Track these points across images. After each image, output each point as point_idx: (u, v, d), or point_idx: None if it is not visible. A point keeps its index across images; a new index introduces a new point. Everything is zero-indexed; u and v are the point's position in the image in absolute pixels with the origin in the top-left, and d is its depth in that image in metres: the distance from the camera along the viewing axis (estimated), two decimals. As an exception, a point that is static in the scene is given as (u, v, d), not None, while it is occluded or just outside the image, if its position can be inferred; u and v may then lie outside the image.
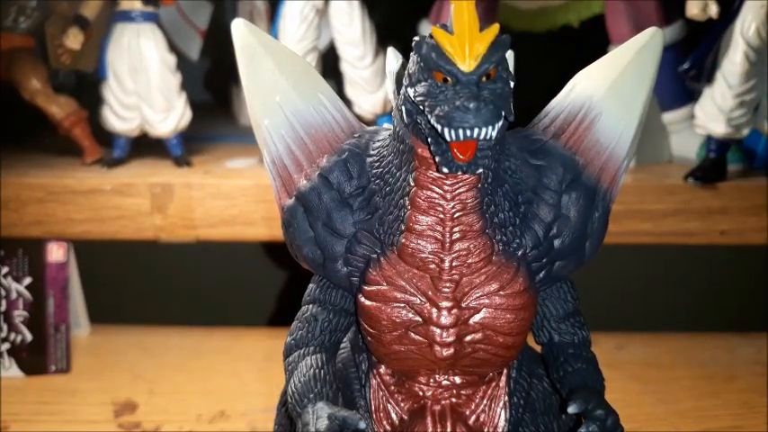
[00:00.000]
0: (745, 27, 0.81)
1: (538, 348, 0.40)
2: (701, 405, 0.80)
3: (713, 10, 0.82)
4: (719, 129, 0.84)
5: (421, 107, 0.31)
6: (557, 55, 0.90)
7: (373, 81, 0.94)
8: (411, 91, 0.31)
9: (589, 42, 0.95)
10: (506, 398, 0.37)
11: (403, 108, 0.33)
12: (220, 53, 1.13)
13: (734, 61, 0.82)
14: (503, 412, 0.37)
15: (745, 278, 1.00)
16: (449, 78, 0.30)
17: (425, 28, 0.98)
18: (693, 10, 0.83)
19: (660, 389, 0.82)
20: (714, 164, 0.85)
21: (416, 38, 0.31)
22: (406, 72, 0.32)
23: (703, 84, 0.85)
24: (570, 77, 0.40)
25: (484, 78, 0.30)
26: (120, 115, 0.92)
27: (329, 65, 0.96)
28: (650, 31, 0.39)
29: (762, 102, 0.84)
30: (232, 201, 0.85)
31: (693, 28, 0.89)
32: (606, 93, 0.38)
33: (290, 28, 0.90)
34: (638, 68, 0.38)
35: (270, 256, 1.06)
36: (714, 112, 0.84)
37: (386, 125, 0.39)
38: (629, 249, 0.87)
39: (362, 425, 0.33)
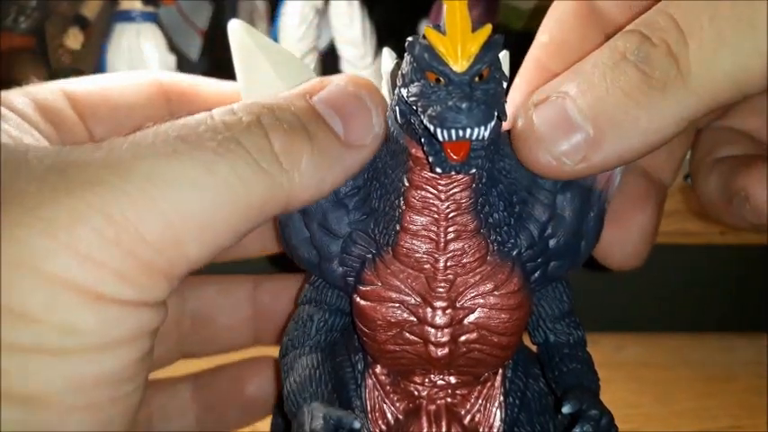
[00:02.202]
0: (744, 27, 0.81)
1: (534, 348, 0.40)
2: (700, 405, 0.80)
3: (713, 10, 0.81)
4: (719, 129, 0.83)
5: (414, 107, 0.31)
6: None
7: (373, 81, 0.93)
8: (404, 91, 0.31)
9: (589, 42, 0.94)
10: (502, 398, 0.37)
11: (397, 108, 0.33)
12: (220, 53, 1.13)
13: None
14: (498, 412, 0.37)
15: (745, 278, 1.00)
16: (441, 79, 0.30)
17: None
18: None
19: (659, 389, 0.82)
20: (714, 164, 0.85)
21: (410, 38, 0.31)
22: (399, 72, 0.32)
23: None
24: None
25: (477, 79, 0.30)
26: (120, 115, 0.92)
27: (329, 65, 0.96)
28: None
29: (762, 102, 0.84)
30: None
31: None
32: None
33: (289, 28, 0.90)
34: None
35: (270, 255, 1.06)
36: (714, 112, 0.83)
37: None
38: (629, 249, 0.87)
39: (357, 424, 0.33)
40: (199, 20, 1.03)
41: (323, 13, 0.92)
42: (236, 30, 0.38)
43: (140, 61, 0.90)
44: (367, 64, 0.93)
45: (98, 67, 0.92)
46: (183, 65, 0.96)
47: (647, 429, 0.72)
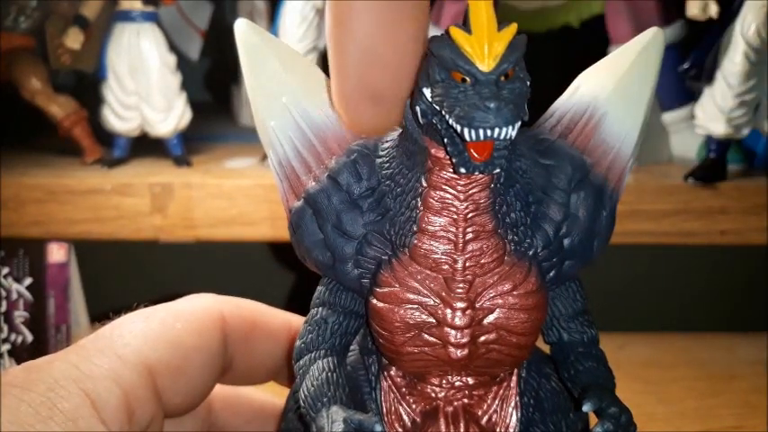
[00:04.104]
0: (745, 27, 0.81)
1: (544, 347, 0.40)
2: (701, 405, 0.80)
3: (713, 10, 0.82)
4: (719, 129, 0.84)
5: (438, 107, 0.30)
6: (557, 55, 0.91)
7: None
8: (427, 91, 0.31)
9: (589, 42, 0.95)
10: (517, 398, 0.37)
11: (417, 108, 0.32)
12: (220, 53, 1.13)
13: (734, 61, 0.82)
14: (514, 412, 0.37)
15: (745, 278, 1.01)
16: (467, 78, 0.29)
17: (425, 28, 0.98)
18: (693, 10, 0.83)
19: (661, 389, 0.82)
20: (714, 164, 0.86)
21: (432, 37, 0.31)
22: (421, 72, 0.32)
23: (703, 84, 0.85)
24: (570, 77, 0.40)
25: (502, 78, 0.29)
26: (120, 115, 0.92)
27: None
28: (652, 31, 0.39)
29: (762, 102, 0.84)
30: (232, 201, 0.85)
31: (693, 28, 0.90)
32: (611, 93, 0.37)
33: (290, 28, 0.90)
34: (642, 68, 0.38)
35: (271, 256, 1.06)
36: (714, 112, 0.84)
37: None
38: (630, 249, 0.87)
39: (379, 428, 0.32)
40: (199, 20, 1.03)
41: (323, 12, 0.91)
42: (243, 29, 0.38)
43: (140, 61, 0.90)
44: (367, 64, 0.93)
45: (98, 67, 0.92)
46: (183, 65, 0.96)
47: (650, 429, 0.72)
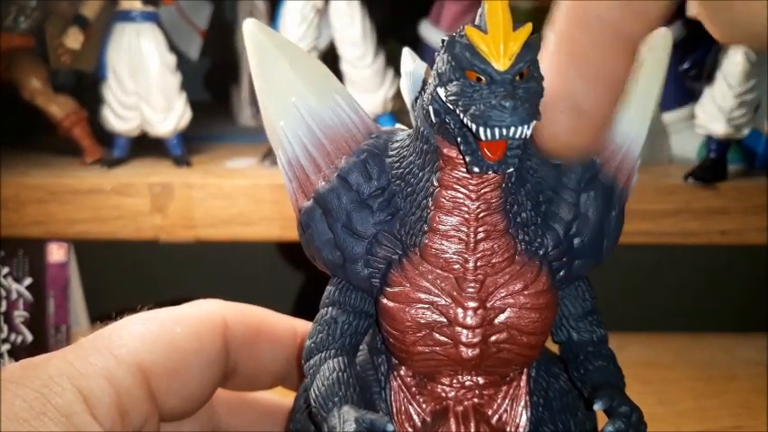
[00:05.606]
0: (745, 27, 0.81)
1: (552, 347, 0.40)
2: (701, 405, 0.80)
3: (714, 10, 0.82)
4: (720, 129, 0.84)
5: (452, 107, 0.30)
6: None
7: (373, 81, 0.93)
8: (441, 91, 0.31)
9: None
10: (527, 397, 0.37)
11: (430, 108, 0.32)
12: (220, 53, 1.13)
13: (734, 61, 0.82)
14: (524, 411, 0.37)
15: (745, 278, 1.01)
16: (483, 77, 0.29)
17: (425, 28, 0.98)
18: (693, 10, 0.83)
19: (660, 389, 0.82)
20: (714, 164, 0.86)
21: (446, 37, 0.31)
22: (434, 71, 0.32)
23: (703, 84, 0.86)
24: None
25: (517, 77, 0.29)
26: (120, 115, 0.91)
27: (329, 65, 0.96)
28: (661, 32, 0.39)
29: (762, 102, 0.84)
30: (232, 201, 0.85)
31: (693, 28, 0.90)
32: None
33: (290, 27, 0.90)
34: (651, 69, 0.39)
35: (271, 256, 1.06)
36: (714, 112, 0.84)
37: (398, 126, 0.39)
38: (629, 249, 0.87)
39: (391, 427, 0.32)
40: (199, 20, 1.03)
41: (323, 12, 0.91)
42: (251, 29, 0.38)
43: (140, 61, 0.90)
44: (367, 63, 0.93)
45: (98, 66, 0.92)
46: (183, 65, 0.95)
47: (650, 429, 0.72)
